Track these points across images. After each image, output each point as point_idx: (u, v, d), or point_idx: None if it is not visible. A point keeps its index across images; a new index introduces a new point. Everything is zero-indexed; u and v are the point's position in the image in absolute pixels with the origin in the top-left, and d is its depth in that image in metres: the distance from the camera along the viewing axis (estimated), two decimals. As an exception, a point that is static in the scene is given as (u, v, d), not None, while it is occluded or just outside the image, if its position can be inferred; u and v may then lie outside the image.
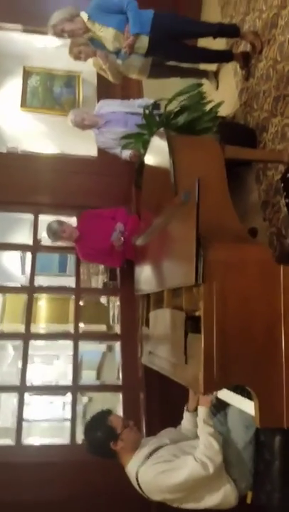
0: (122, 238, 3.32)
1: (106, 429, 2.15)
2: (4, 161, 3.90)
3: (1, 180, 3.71)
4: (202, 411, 2.00)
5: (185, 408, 2.28)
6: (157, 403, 3.21)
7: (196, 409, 2.17)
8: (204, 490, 1.92)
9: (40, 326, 6.84)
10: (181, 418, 2.34)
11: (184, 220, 1.64)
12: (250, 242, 1.78)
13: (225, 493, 1.91)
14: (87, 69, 6.01)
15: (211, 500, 1.93)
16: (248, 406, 1.61)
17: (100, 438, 2.15)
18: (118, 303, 4.02)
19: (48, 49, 6.65)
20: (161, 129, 2.43)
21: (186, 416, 2.27)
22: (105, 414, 2.24)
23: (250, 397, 1.58)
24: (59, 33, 3.16)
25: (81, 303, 3.93)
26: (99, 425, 2.19)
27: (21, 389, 3.37)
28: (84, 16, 3.14)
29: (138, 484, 2.04)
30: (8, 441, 3.70)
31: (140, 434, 2.27)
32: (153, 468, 1.99)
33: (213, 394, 1.89)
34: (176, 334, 1.79)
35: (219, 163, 2.01)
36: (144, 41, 3.14)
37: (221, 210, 1.85)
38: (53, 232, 3.39)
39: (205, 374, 1.48)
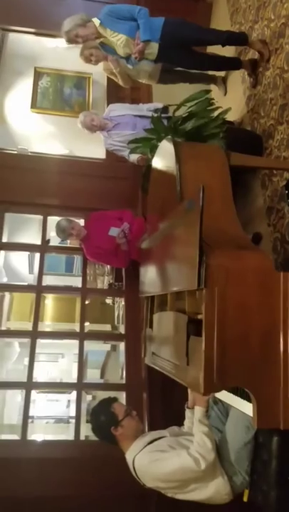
0: (124, 238, 3.39)
1: (109, 414, 2.27)
2: (15, 162, 3.97)
3: (11, 181, 3.78)
4: (198, 411, 2.08)
5: (186, 405, 2.35)
6: (160, 403, 3.27)
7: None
8: (196, 483, 2.00)
9: (46, 324, 6.93)
10: (184, 418, 2.40)
11: (188, 227, 1.70)
12: (252, 249, 1.83)
13: (217, 487, 1.98)
14: (98, 70, 6.07)
15: (203, 493, 2.00)
16: (246, 407, 1.67)
17: (102, 422, 2.28)
18: (123, 304, 4.08)
19: (59, 50, 6.71)
20: (169, 136, 2.49)
21: (187, 413, 2.34)
22: (111, 400, 2.37)
23: (248, 399, 1.64)
24: (73, 39, 3.23)
25: (86, 303, 3.98)
26: (103, 410, 2.32)
27: (28, 385, 3.44)
28: (96, 21, 3.21)
29: (134, 470, 2.13)
30: (14, 436, 3.78)
31: (141, 424, 2.38)
32: (148, 455, 2.09)
33: (210, 394, 1.96)
34: (178, 336, 1.85)
35: (224, 171, 2.06)
36: (154, 48, 3.20)
37: (224, 217, 1.91)
38: (62, 229, 3.46)
39: (205, 376, 1.53)
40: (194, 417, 2.09)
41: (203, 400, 2.10)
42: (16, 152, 4.17)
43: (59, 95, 6.91)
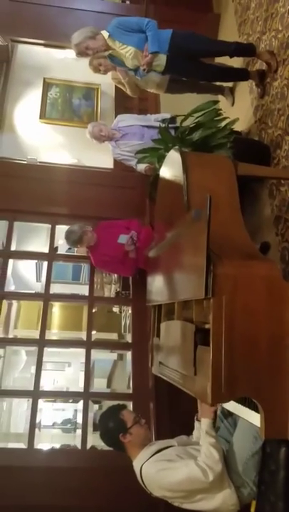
0: (133, 245, 3.41)
1: (117, 421, 2.27)
2: (24, 172, 4.01)
3: (20, 190, 3.82)
4: (205, 422, 2.08)
5: (195, 418, 2.34)
6: (167, 413, 3.25)
7: None
8: (203, 493, 1.99)
9: (53, 332, 6.95)
10: (191, 429, 2.39)
11: (196, 236, 1.71)
12: (259, 259, 1.83)
13: (224, 498, 1.97)
14: (106, 81, 6.15)
15: (210, 503, 1.99)
16: (254, 418, 1.66)
17: (111, 428, 2.28)
18: (130, 312, 4.08)
19: (68, 61, 6.81)
20: (176, 146, 2.51)
21: (196, 425, 2.33)
22: (120, 407, 2.38)
23: (256, 409, 1.63)
24: (83, 51, 3.26)
25: (93, 311, 3.99)
26: (112, 416, 2.32)
27: (35, 394, 3.43)
28: (105, 34, 3.25)
29: (141, 479, 2.13)
30: (21, 445, 3.78)
31: (150, 433, 2.37)
32: (155, 464, 2.08)
33: (217, 405, 1.95)
34: (185, 346, 1.84)
35: (231, 181, 2.07)
36: (162, 59, 3.23)
37: (231, 226, 1.91)
38: (73, 232, 3.46)
39: (213, 386, 1.53)
40: (201, 428, 2.09)
41: (210, 412, 2.10)
42: (25, 162, 4.21)
43: (68, 106, 7.00)
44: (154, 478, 2.07)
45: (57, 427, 8.94)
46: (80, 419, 3.75)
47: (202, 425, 2.08)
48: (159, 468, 2.06)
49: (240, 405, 1.81)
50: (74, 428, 8.11)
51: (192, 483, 1.96)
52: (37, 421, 3.58)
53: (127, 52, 3.24)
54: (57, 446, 7.25)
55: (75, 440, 6.97)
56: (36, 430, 3.37)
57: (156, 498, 2.15)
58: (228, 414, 2.23)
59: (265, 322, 1.59)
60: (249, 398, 1.68)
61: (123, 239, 3.45)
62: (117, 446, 2.28)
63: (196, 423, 2.34)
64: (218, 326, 1.56)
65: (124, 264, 3.53)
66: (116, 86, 5.33)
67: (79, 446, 3.31)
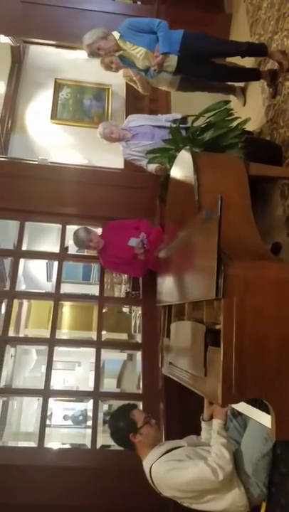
0: (142, 248, 3.40)
1: (128, 421, 2.27)
2: (35, 172, 4.02)
3: (31, 190, 3.84)
4: (216, 423, 2.07)
5: (201, 417, 2.34)
6: (177, 413, 3.24)
7: (211, 418, 2.23)
8: (213, 494, 1.98)
9: (63, 332, 6.97)
10: (201, 429, 2.38)
11: (207, 237, 1.70)
12: (271, 259, 1.83)
13: (233, 499, 1.96)
14: (117, 82, 6.18)
15: (219, 504, 1.99)
16: (264, 419, 1.66)
17: (121, 428, 2.28)
18: (140, 313, 4.08)
19: (79, 61, 6.84)
20: (187, 147, 2.50)
21: (203, 425, 2.33)
22: (130, 407, 2.38)
23: (267, 410, 1.62)
24: (95, 52, 3.27)
25: (104, 311, 4.00)
26: (122, 416, 2.31)
27: (46, 393, 3.45)
28: (116, 35, 3.26)
29: (151, 479, 2.13)
30: (31, 444, 3.79)
31: (160, 433, 2.36)
32: (165, 464, 2.08)
33: (228, 406, 1.94)
34: (196, 346, 1.84)
35: (243, 181, 2.07)
36: (173, 60, 3.23)
37: (242, 227, 1.91)
38: (81, 241, 3.48)
39: (223, 387, 1.53)
40: (212, 428, 2.08)
41: (222, 413, 2.09)
42: (36, 162, 4.23)
43: (79, 106, 7.03)
44: (164, 478, 2.07)
45: (67, 427, 8.97)
46: (89, 419, 3.76)
47: (213, 426, 2.08)
48: (168, 468, 2.06)
49: (250, 406, 1.80)
50: (84, 427, 8.12)
51: (202, 483, 1.96)
52: (47, 420, 3.60)
53: (138, 53, 3.24)
54: (67, 445, 7.27)
55: (85, 440, 6.99)
56: (46, 429, 3.37)
57: (165, 498, 2.15)
58: (237, 414, 2.23)
59: (276, 323, 1.58)
60: (260, 399, 1.67)
61: (133, 242, 3.44)
62: (127, 446, 2.29)
63: (203, 423, 2.33)
64: (229, 327, 1.55)
65: (133, 265, 3.53)
66: (127, 87, 5.35)
67: (89, 445, 3.32)
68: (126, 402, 2.55)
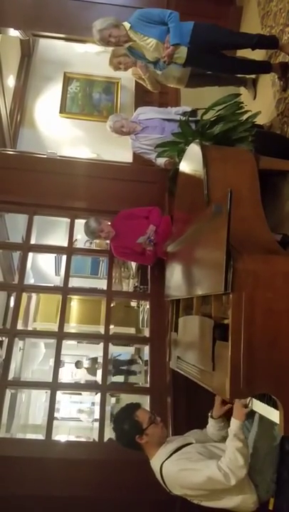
0: (152, 243, 3.40)
1: (132, 423, 2.20)
2: (44, 166, 4.01)
3: (40, 184, 3.84)
4: (235, 423, 1.95)
5: (209, 414, 2.30)
6: (184, 408, 3.24)
7: (220, 417, 2.22)
8: (224, 493, 1.97)
9: (72, 326, 7.00)
10: (206, 423, 2.37)
11: (216, 231, 1.69)
12: (281, 254, 1.81)
13: (244, 497, 1.95)
14: (126, 75, 6.13)
15: (230, 502, 1.97)
16: (272, 414, 1.65)
17: (126, 431, 2.21)
18: (148, 307, 4.07)
19: (88, 55, 6.81)
20: (197, 140, 2.48)
21: (211, 422, 2.30)
22: (133, 407, 2.29)
23: (275, 406, 1.61)
24: (106, 38, 3.21)
25: (112, 305, 4.00)
26: (126, 418, 2.24)
27: (53, 385, 3.47)
28: (126, 25, 3.23)
29: (162, 477, 2.10)
30: (39, 436, 3.81)
31: (166, 430, 2.32)
32: (176, 463, 2.04)
33: (249, 407, 1.90)
34: (204, 341, 1.83)
35: (252, 174, 2.05)
36: (183, 52, 3.20)
37: (252, 221, 1.89)
38: (92, 231, 3.48)
39: (232, 381, 1.52)
40: (230, 429, 1.98)
41: (242, 414, 1.93)
42: (45, 156, 4.22)
43: (88, 100, 7.01)
44: (176, 478, 2.04)
45: (74, 419, 9.03)
46: (97, 412, 3.77)
47: (231, 426, 1.97)
48: (180, 467, 2.02)
49: (258, 401, 1.79)
50: (91, 420, 8.17)
51: (214, 485, 1.93)
52: (55, 413, 3.62)
53: (148, 44, 3.21)
54: (74, 438, 7.32)
55: (92, 433, 7.03)
56: (54, 422, 3.39)
57: (175, 495, 2.13)
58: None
59: (286, 318, 1.57)
60: (268, 394, 1.66)
61: (141, 240, 3.44)
62: (133, 448, 2.22)
63: (211, 420, 2.29)
64: (238, 322, 1.55)
65: (144, 254, 3.53)
66: (136, 80, 5.32)
67: (96, 438, 3.33)
68: (133, 396, 2.54)
